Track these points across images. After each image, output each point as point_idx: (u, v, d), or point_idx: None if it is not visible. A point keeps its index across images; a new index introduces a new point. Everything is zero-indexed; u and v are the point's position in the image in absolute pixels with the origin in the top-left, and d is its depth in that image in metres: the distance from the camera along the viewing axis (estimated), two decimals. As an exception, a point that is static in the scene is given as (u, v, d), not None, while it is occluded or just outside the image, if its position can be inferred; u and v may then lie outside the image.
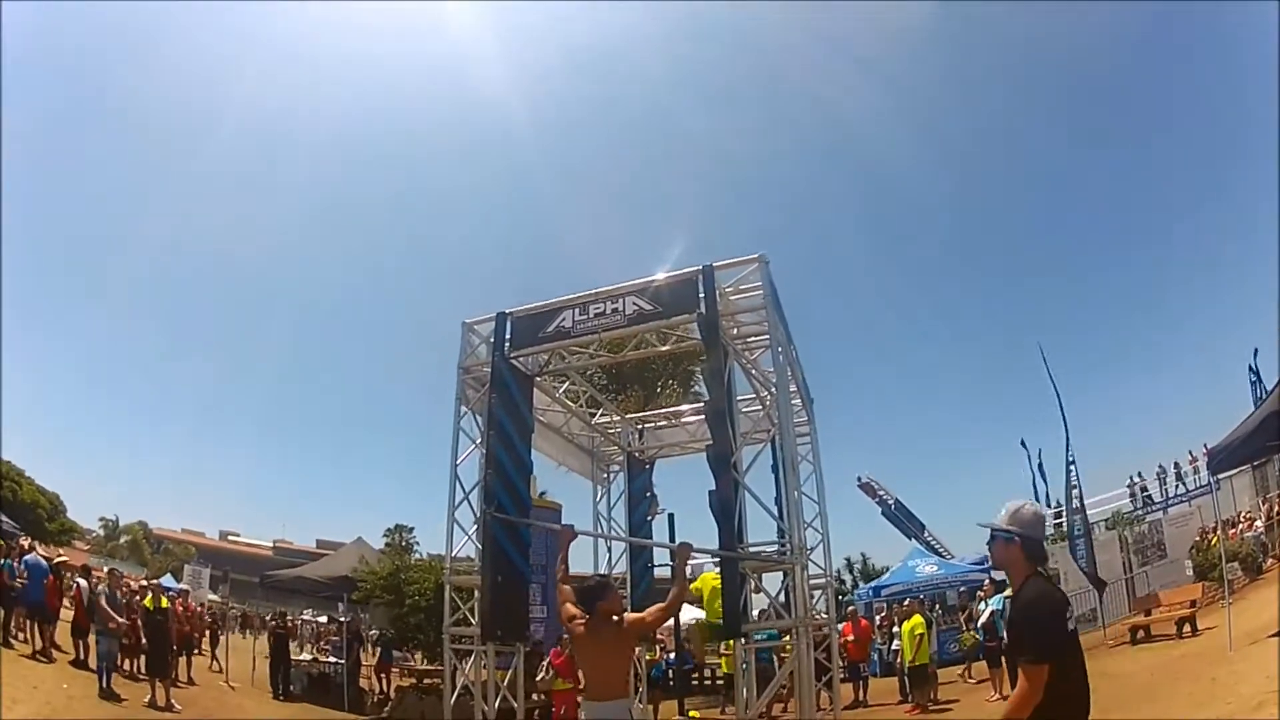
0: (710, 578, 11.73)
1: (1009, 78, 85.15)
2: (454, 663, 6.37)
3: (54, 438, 77.22)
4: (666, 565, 14.36)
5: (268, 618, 20.45)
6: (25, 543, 16.93)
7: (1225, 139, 68.29)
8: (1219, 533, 14.64)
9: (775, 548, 5.54)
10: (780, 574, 5.69)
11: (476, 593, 6.34)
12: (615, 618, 4.67)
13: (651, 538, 6.48)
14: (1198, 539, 18.03)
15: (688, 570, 4.77)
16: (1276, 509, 20.52)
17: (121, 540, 49.69)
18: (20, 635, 12.65)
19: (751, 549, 5.38)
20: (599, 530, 8.34)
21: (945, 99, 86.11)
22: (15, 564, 12.74)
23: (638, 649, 6.57)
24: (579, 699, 4.72)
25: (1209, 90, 69.66)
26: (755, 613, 5.47)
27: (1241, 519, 20.98)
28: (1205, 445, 12.83)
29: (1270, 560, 17.93)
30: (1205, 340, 69.36)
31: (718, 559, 5.35)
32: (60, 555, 16.80)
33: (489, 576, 6.13)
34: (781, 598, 5.36)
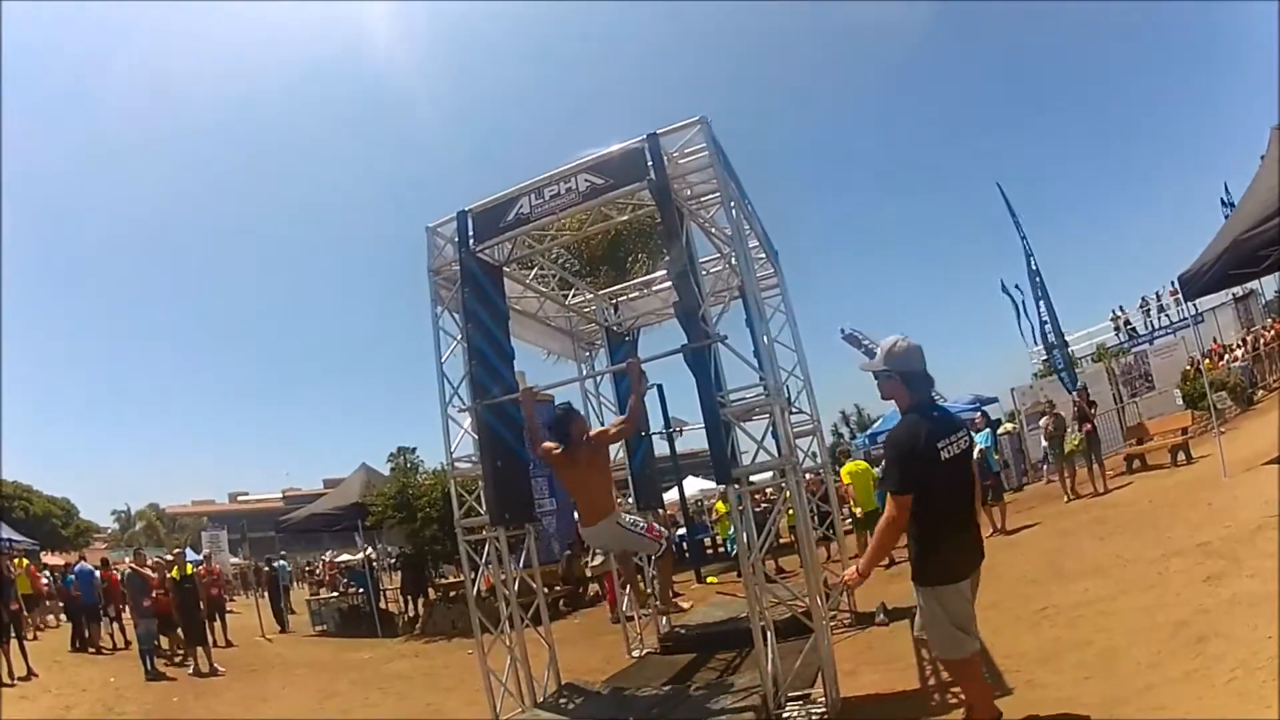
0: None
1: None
2: (470, 554, 6.45)
3: (52, 444, 78.15)
4: (661, 434, 14.70)
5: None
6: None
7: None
8: (1203, 362, 14.88)
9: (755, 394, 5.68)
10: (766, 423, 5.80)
11: (480, 482, 6.44)
12: (585, 438, 5.28)
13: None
14: (1187, 368, 18.33)
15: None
16: (1262, 340, 20.94)
17: (137, 527, 50.35)
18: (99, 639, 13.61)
19: (733, 397, 5.52)
20: (588, 406, 8.47)
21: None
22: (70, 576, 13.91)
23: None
24: (579, 528, 5.33)
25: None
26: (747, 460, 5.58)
27: (1224, 350, 21.41)
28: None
29: (1260, 391, 18.47)
30: (1186, 176, 69.52)
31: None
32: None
33: (489, 464, 6.22)
34: (770, 444, 5.47)
